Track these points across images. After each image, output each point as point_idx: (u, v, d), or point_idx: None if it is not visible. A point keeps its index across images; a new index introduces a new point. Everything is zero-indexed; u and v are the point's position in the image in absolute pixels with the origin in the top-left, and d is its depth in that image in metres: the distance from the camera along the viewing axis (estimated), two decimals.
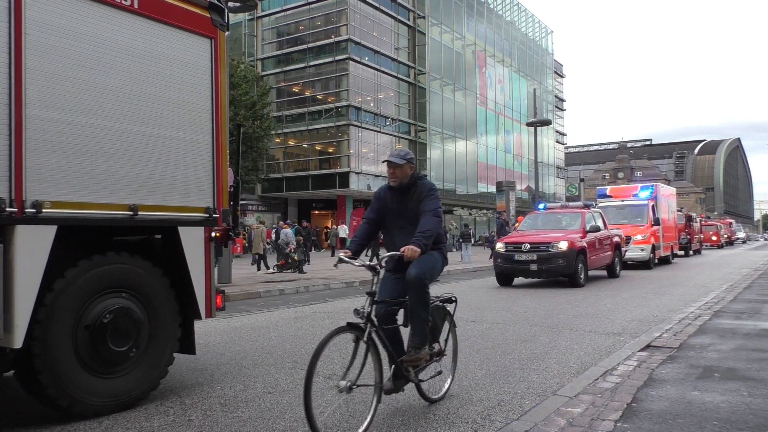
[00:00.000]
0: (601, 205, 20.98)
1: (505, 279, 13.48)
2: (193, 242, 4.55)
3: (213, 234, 4.74)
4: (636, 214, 20.10)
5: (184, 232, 4.49)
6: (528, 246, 12.77)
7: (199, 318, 4.64)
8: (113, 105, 4.08)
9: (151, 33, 4.31)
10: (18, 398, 4.43)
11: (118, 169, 4.11)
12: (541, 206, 16.48)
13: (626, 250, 17.33)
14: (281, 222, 23.52)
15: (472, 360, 5.56)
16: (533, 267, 12.60)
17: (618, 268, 15.34)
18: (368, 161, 40.55)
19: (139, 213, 4.18)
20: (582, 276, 12.75)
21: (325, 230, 45.76)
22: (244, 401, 4.31)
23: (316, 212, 45.11)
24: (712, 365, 5.11)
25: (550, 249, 12.52)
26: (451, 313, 4.34)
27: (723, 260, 24.50)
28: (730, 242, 50.58)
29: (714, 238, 40.49)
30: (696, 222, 31.93)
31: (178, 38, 4.49)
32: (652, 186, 22.08)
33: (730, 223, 54.98)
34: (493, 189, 40.60)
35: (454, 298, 4.33)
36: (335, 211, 43.29)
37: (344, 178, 38.81)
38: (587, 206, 15.42)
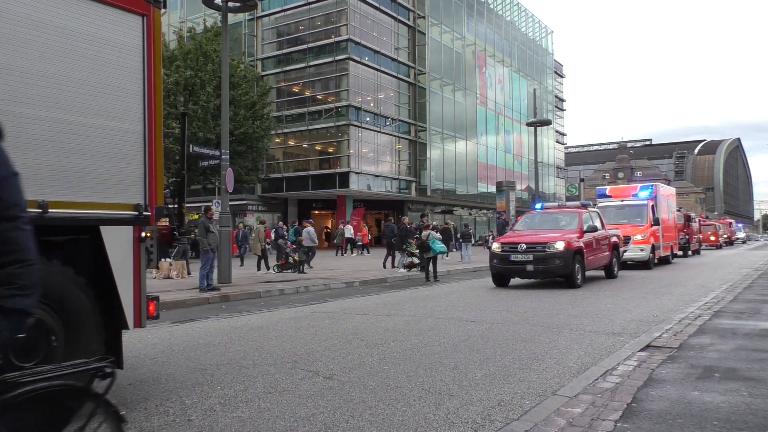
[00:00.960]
0: (600, 205, 20.87)
1: (501, 279, 13.30)
2: (118, 243, 4.05)
3: (144, 234, 4.24)
4: (636, 214, 19.95)
5: (107, 232, 3.98)
6: (524, 246, 12.57)
7: (126, 328, 4.17)
8: (20, 88, 3.59)
9: (69, 7, 3.82)
10: None
11: (25, 161, 3.54)
12: (537, 206, 16.23)
13: (625, 251, 17.23)
14: (305, 221, 23.75)
15: (472, 360, 5.56)
16: (529, 267, 12.42)
17: (616, 269, 15.21)
18: (368, 161, 40.57)
19: (50, 210, 3.65)
20: (579, 277, 12.58)
21: (326, 230, 45.82)
22: (244, 401, 4.31)
23: (316, 212, 45.12)
24: (712, 365, 5.11)
25: (547, 249, 12.34)
26: (102, 394, 1.96)
27: (723, 260, 24.49)
28: (730, 242, 50.37)
29: (712, 238, 39.99)
30: (695, 222, 31.80)
31: (103, 14, 3.99)
32: (652, 186, 21.91)
33: (730, 223, 54.75)
34: (493, 189, 40.60)
35: (109, 370, 1.96)
36: (335, 211, 43.30)
37: (344, 178, 38.82)
38: (585, 206, 15.28)
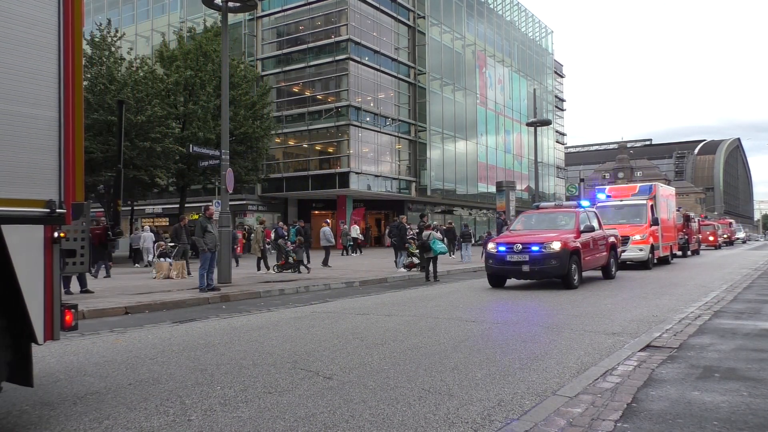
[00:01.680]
0: (599, 204, 20.66)
1: (497, 280, 13.12)
2: (25, 245, 3.59)
3: (57, 234, 3.79)
4: (635, 213, 19.78)
5: (10, 231, 3.49)
6: (520, 246, 12.34)
7: (36, 342, 3.68)
8: None
9: None
10: (20, 396, 4.44)
11: None
12: (534, 205, 15.93)
13: (623, 251, 16.95)
14: (322, 222, 24.28)
15: (472, 360, 5.56)
16: (525, 268, 12.22)
17: (614, 269, 15.01)
18: (368, 161, 40.57)
19: None
20: (576, 277, 12.40)
21: None
22: (244, 401, 4.31)
23: (316, 212, 45.11)
24: (712, 365, 5.11)
25: (543, 249, 12.12)
26: None
27: (723, 260, 24.48)
28: (730, 242, 49.98)
29: (711, 238, 38.95)
30: (694, 222, 31.62)
31: None
32: (651, 186, 21.63)
33: (730, 223, 54.24)
34: (493, 189, 40.59)
35: None
36: (335, 211, 43.29)
37: (344, 178, 38.82)
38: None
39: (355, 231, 33.55)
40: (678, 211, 29.80)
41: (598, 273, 15.21)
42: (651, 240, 18.68)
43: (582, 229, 13.28)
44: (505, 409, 4.05)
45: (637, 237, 18.35)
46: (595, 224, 14.37)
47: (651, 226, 19.23)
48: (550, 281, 13.24)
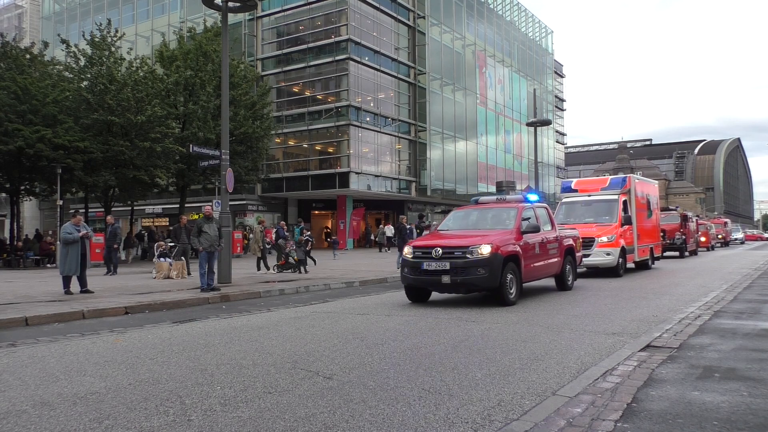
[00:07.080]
0: (565, 200, 18.17)
1: (415, 293, 10.50)
2: None
3: None
4: (604, 211, 16.72)
5: None
6: (440, 251, 9.71)
7: None
8: None
9: None
10: (20, 396, 4.43)
11: None
12: (473, 200, 12.94)
13: (587, 255, 14.77)
14: (402, 221, 23.87)
15: (472, 360, 5.56)
16: (445, 279, 9.58)
17: (570, 279, 12.28)
18: (368, 161, 40.57)
19: None
20: (513, 290, 9.82)
21: (325, 230, 45.82)
22: (244, 401, 4.31)
23: (316, 212, 45.11)
24: (712, 365, 5.11)
25: (468, 255, 9.50)
26: None
27: (723, 261, 24.44)
28: (726, 243, 48.48)
29: (702, 239, 36.22)
30: (692, 222, 31.04)
31: None
32: (624, 178, 18.07)
33: (725, 223, 52.05)
34: (493, 189, 40.65)
35: None
36: (335, 211, 43.29)
37: (344, 178, 38.83)
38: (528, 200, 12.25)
39: (390, 230, 35.31)
40: (675, 210, 29.47)
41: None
42: (622, 242, 15.90)
43: (524, 228, 10.64)
44: (505, 409, 4.04)
45: (604, 239, 15.54)
46: (545, 223, 11.83)
47: (622, 225, 16.28)
48: (552, 281, 12.22)
